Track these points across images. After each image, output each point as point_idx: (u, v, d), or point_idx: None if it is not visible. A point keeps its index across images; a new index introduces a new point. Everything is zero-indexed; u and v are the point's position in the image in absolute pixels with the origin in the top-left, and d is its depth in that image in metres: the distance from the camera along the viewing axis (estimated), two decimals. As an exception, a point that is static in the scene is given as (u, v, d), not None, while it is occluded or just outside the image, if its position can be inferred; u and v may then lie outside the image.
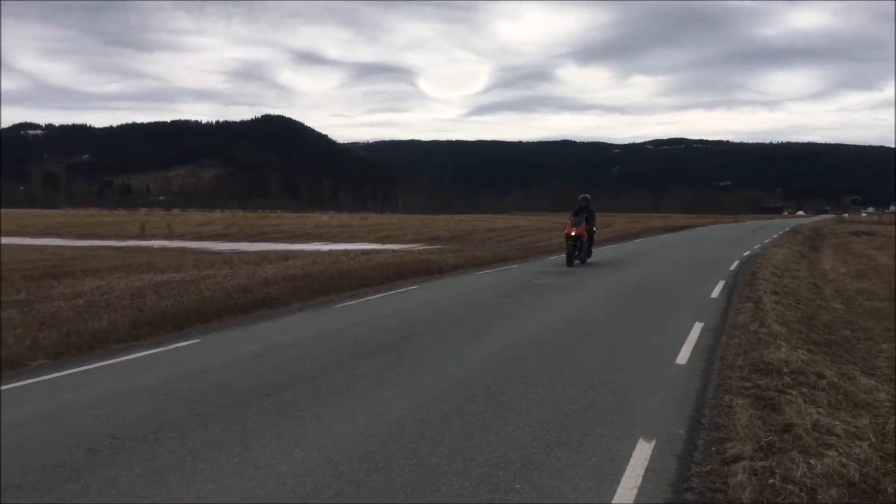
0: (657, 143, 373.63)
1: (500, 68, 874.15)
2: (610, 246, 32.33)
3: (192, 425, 5.49)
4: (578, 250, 20.18)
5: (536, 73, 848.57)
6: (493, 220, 70.09)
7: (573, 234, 19.98)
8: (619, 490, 4.39)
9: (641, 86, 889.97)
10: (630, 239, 39.57)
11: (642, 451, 5.02)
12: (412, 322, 10.52)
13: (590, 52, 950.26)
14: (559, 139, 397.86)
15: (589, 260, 20.91)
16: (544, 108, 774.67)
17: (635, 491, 4.38)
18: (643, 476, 4.61)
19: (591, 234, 20.80)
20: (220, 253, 26.00)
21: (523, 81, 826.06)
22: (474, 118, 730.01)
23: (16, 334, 8.98)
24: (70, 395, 6.43)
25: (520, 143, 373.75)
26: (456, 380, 7.04)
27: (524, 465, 4.70)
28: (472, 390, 6.60)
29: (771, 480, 4.55)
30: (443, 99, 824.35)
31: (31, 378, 7.12)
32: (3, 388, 6.72)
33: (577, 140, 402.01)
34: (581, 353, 8.41)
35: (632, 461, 4.84)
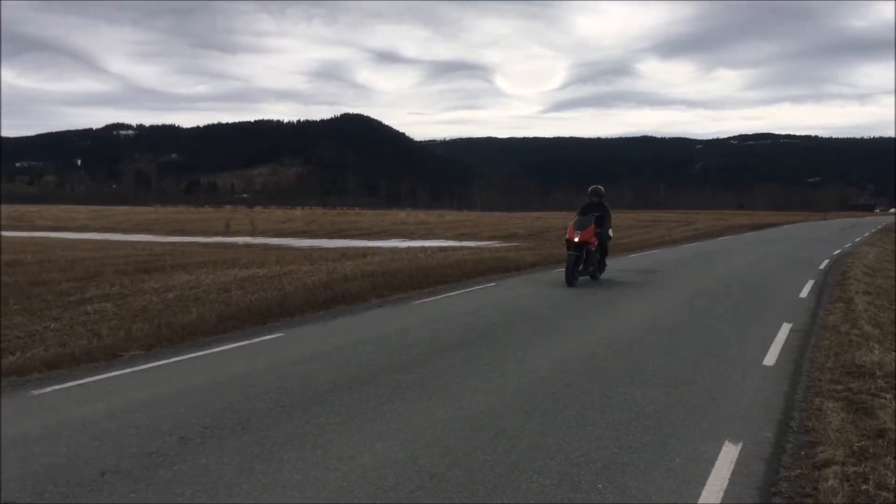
0: (742, 139, 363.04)
1: (579, 64, 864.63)
2: (693, 244, 31.67)
3: (277, 416, 5.63)
4: (584, 263, 14.88)
5: (616, 68, 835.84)
6: (570, 217, 69.36)
7: (576, 240, 14.65)
8: (705, 492, 4.29)
9: (726, 79, 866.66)
10: (714, 237, 38.63)
11: (728, 454, 4.90)
12: (490, 319, 10.52)
13: (672, 46, 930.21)
14: (639, 135, 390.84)
15: (602, 276, 15.81)
16: (624, 104, 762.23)
17: (721, 494, 4.28)
18: (729, 479, 4.49)
19: (603, 240, 15.51)
20: (300, 249, 26.56)
21: (602, 77, 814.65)
22: (551, 114, 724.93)
23: (110, 326, 9.40)
24: (163, 385, 6.68)
25: (598, 139, 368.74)
26: (535, 378, 7.01)
27: (606, 465, 4.65)
28: (552, 388, 6.56)
29: (864, 486, 4.38)
30: (520, 96, 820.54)
31: (125, 368, 7.43)
32: (102, 377, 7.04)
33: (658, 136, 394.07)
34: (664, 352, 8.25)
35: (717, 463, 4.73)
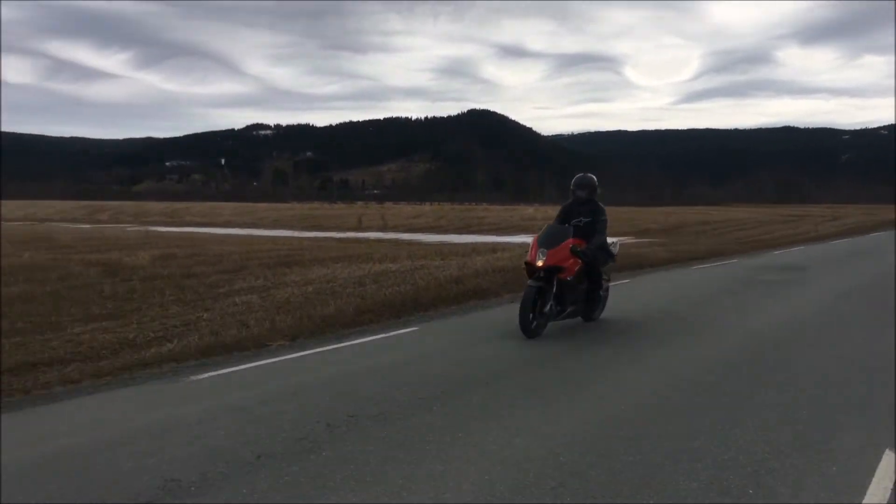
0: (894, 128, 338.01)
1: (713, 52, 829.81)
2: (841, 240, 29.90)
3: (416, 408, 5.76)
4: (559, 300, 9.02)
5: (753, 56, 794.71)
6: (706, 212, 66.93)
7: (539, 263, 8.86)
8: (864, 502, 4.05)
9: (873, 66, 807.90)
10: (864, 233, 36.31)
11: (889, 464, 4.59)
12: (624, 317, 10.32)
13: (813, 32, 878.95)
14: (779, 125, 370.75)
15: (601, 315, 10.08)
16: (762, 94, 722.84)
17: (884, 506, 4.03)
18: (892, 489, 4.22)
19: (592, 262, 9.39)
20: (430, 244, 26.95)
21: (738, 65, 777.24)
22: (684, 106, 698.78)
23: (257, 317, 9.88)
24: (308, 374, 7.00)
25: (735, 130, 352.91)
26: (677, 377, 6.84)
27: (756, 470, 4.47)
28: (696, 388, 6.37)
29: None
30: (650, 87, 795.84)
31: (273, 357, 7.80)
32: (252, 364, 7.43)
33: (800, 126, 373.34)
34: (815, 353, 7.84)
35: (878, 473, 4.44)
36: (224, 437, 5.05)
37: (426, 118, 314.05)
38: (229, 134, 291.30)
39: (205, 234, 35.53)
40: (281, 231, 42.57)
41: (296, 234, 39.12)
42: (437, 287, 12.65)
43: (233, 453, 4.71)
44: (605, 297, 10.27)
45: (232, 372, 7.13)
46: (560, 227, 9.43)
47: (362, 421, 5.41)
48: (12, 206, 63.26)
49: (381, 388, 6.36)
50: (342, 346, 8.41)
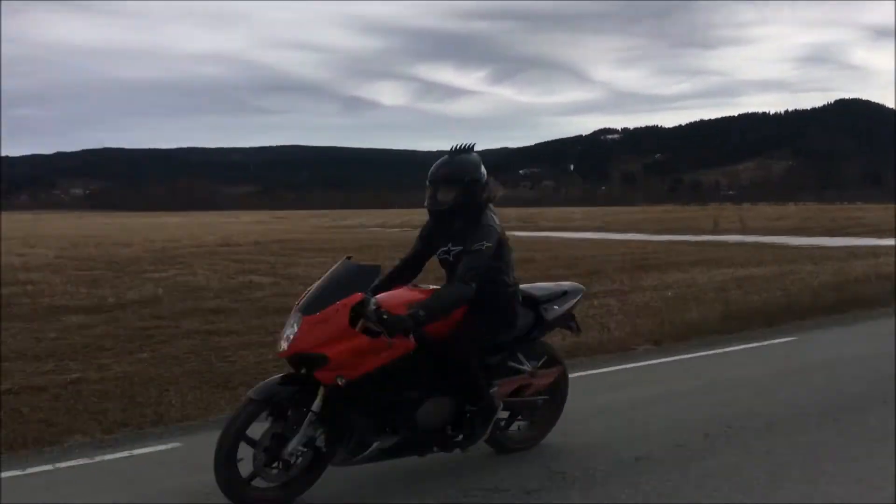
0: None
1: None
2: None
3: (802, 424, 5.36)
4: (326, 429, 4.04)
5: None
6: None
7: (284, 347, 4.01)
8: None
9: None
10: None
11: None
12: None
13: None
14: None
15: (539, 440, 4.97)
16: None
17: None
18: None
19: (447, 343, 4.24)
20: (798, 248, 24.85)
21: None
22: None
23: (616, 321, 9.99)
24: (677, 381, 6.89)
25: None
26: None
27: None
28: None
29: None
30: None
31: (639, 361, 7.80)
32: (617, 368, 7.50)
33: None
34: None
35: None
36: (600, 436, 5.17)
37: (785, 112, 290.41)
38: (577, 140, 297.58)
39: (558, 238, 36.70)
40: (632, 235, 42.33)
41: (648, 237, 38.67)
42: (811, 294, 11.73)
43: (612, 453, 4.78)
44: (484, 419, 4.47)
45: (598, 374, 7.25)
46: (346, 269, 4.27)
47: (742, 433, 5.15)
48: (392, 215, 71.30)
49: (759, 401, 6.02)
50: (711, 354, 8.17)
